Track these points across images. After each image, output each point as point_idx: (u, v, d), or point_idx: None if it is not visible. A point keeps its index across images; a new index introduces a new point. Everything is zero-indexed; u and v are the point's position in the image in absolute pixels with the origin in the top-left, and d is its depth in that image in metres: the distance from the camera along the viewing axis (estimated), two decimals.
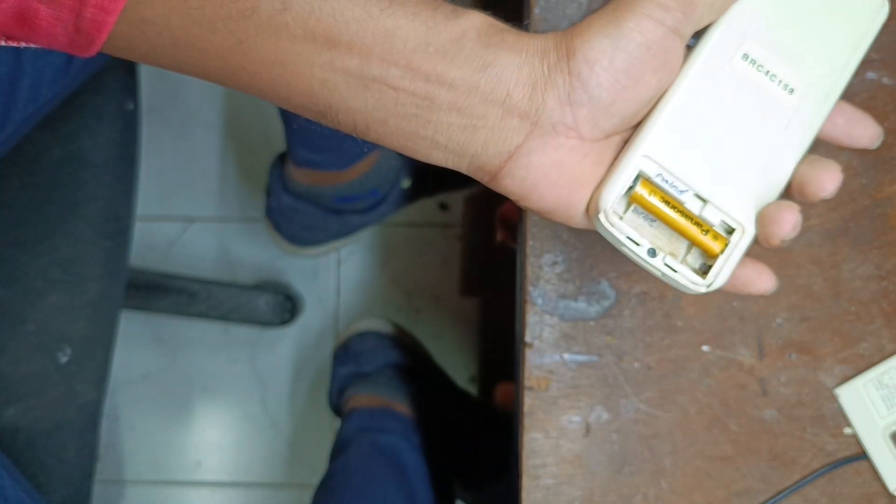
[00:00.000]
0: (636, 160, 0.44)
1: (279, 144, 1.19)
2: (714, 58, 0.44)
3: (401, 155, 1.32)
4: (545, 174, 0.43)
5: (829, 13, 0.46)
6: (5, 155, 0.77)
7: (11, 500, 0.70)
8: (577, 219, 0.45)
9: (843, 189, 0.43)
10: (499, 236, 1.00)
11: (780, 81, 0.45)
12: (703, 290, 0.45)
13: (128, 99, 0.83)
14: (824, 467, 0.57)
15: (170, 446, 1.29)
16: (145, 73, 0.92)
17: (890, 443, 0.57)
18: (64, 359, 0.78)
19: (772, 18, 0.45)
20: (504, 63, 0.41)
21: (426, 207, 1.29)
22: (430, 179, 1.19)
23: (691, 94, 0.44)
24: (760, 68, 0.45)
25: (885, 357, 0.57)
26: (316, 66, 0.41)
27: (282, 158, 1.18)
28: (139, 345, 1.28)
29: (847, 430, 0.57)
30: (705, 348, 0.58)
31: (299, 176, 1.13)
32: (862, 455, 0.57)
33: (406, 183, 1.18)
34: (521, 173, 0.43)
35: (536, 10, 0.57)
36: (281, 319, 1.27)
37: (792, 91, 0.45)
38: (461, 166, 0.43)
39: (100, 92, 0.81)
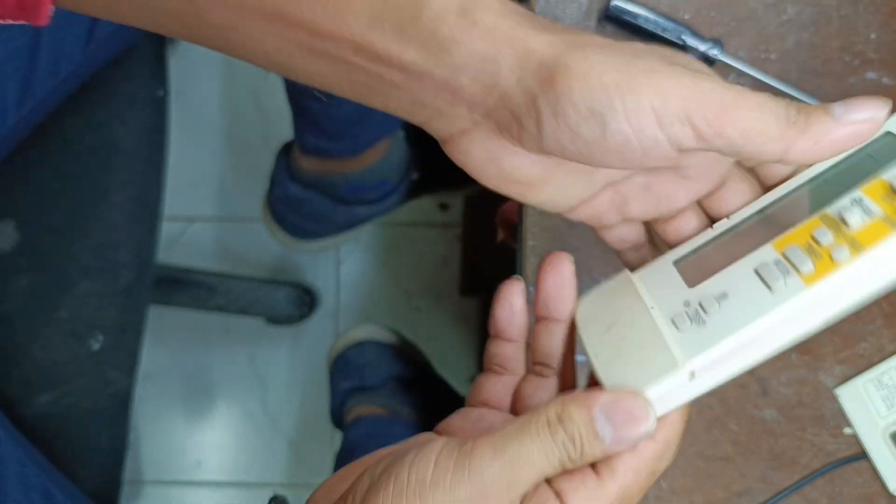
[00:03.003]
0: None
1: (279, 144, 1.19)
2: None
3: (411, 145, 1.29)
4: (482, 166, 0.41)
5: None
6: (31, 136, 0.76)
7: (36, 489, 0.69)
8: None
9: None
10: (499, 236, 1.00)
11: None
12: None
13: (158, 85, 0.83)
14: (824, 467, 0.57)
15: (170, 446, 1.29)
16: None
17: (890, 443, 0.57)
18: (96, 346, 0.78)
19: None
20: (466, 53, 0.37)
21: (426, 207, 1.29)
22: (437, 173, 1.17)
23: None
24: None
25: (885, 357, 0.57)
26: (268, 34, 0.39)
27: (287, 147, 1.16)
28: None
29: (847, 430, 0.57)
30: None
31: (307, 164, 1.11)
32: (862, 455, 0.57)
33: (415, 174, 1.16)
34: (461, 157, 0.41)
35: (536, 11, 0.57)
36: (300, 314, 1.26)
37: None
38: (414, 123, 0.42)
39: (130, 79, 0.81)
